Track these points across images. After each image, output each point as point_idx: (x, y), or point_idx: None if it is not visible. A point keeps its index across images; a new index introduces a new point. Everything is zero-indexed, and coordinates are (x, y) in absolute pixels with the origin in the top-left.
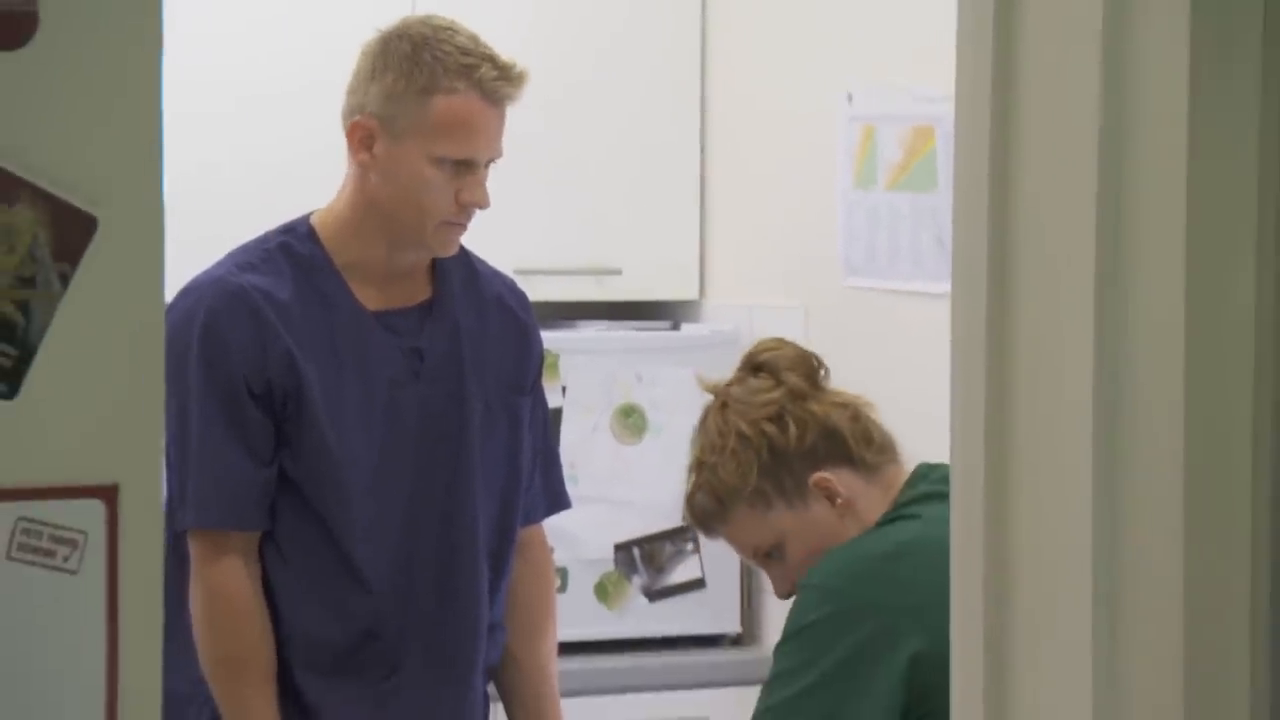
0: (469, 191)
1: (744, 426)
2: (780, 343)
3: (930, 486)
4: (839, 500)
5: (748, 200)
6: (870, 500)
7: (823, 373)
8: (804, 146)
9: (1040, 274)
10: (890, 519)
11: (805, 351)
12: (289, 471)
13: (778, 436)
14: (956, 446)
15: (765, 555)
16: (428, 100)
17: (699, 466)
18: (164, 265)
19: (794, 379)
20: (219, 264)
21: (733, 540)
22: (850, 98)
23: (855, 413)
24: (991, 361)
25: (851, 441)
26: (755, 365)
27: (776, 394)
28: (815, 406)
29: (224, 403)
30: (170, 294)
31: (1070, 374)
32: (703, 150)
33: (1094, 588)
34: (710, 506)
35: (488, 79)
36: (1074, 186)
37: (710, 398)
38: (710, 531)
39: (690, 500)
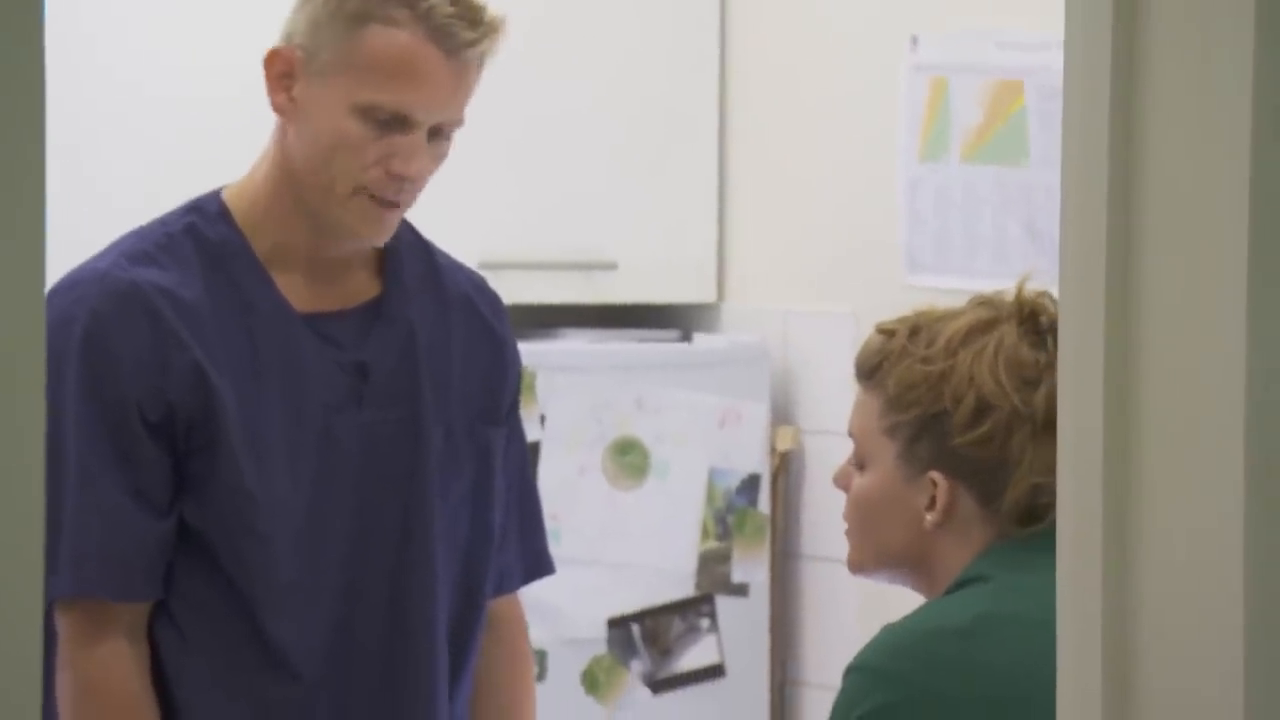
0: (401, 159)
1: (976, 367)
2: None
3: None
4: (931, 513)
5: (779, 177)
6: (960, 552)
7: None
8: (854, 106)
9: (1176, 276)
10: (960, 581)
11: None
12: (192, 523)
13: (971, 416)
14: (1066, 497)
15: (853, 458)
16: (359, 30)
17: (911, 330)
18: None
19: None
20: (105, 253)
21: (854, 409)
22: (915, 42)
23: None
24: (1110, 389)
25: (1011, 491)
26: (1052, 326)
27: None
28: (1039, 440)
29: (109, 434)
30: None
31: (1216, 407)
32: (721, 111)
33: (1245, 688)
34: (868, 362)
35: (440, 13)
36: (1223, 162)
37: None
38: (857, 376)
39: (870, 337)
